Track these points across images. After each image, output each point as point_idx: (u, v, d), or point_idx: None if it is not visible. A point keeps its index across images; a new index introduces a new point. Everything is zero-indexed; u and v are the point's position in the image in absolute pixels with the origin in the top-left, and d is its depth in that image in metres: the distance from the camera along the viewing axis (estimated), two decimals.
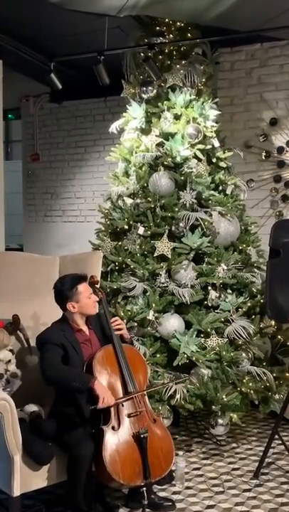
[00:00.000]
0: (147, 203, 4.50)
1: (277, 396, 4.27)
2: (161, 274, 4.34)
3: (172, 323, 4.27)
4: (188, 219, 4.34)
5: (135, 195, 4.65)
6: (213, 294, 4.30)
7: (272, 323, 4.40)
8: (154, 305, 4.26)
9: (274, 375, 4.28)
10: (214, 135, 4.68)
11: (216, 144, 4.70)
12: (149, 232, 4.44)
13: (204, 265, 4.35)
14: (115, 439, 3.11)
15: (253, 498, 3.58)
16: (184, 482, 3.74)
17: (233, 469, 3.99)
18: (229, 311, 4.28)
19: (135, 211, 4.57)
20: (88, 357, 3.31)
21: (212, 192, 4.55)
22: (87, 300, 3.38)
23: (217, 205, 4.48)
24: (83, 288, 3.39)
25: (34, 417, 3.35)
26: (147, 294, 4.35)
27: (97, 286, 3.62)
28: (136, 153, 4.70)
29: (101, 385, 3.13)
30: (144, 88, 4.68)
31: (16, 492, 3.04)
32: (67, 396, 3.21)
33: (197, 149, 4.56)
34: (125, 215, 4.57)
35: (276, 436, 3.86)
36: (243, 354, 4.28)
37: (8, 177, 5.76)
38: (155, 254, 4.37)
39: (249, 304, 4.37)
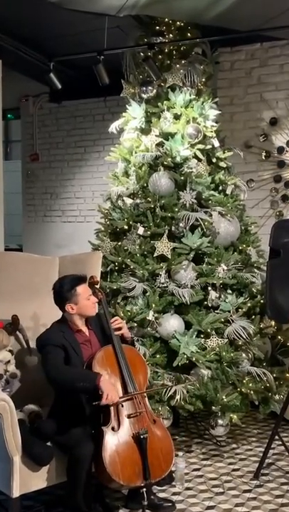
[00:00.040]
0: (147, 203, 4.49)
1: (277, 397, 4.26)
2: (161, 275, 4.33)
3: (172, 324, 4.26)
4: (188, 219, 4.33)
5: (135, 196, 4.64)
6: (213, 294, 4.29)
7: (273, 323, 4.40)
8: (153, 305, 4.25)
9: (274, 375, 4.27)
10: (214, 135, 4.68)
11: (216, 143, 4.69)
12: (148, 233, 4.43)
13: (204, 265, 4.34)
14: (115, 440, 3.10)
15: (253, 498, 3.57)
16: (184, 483, 3.73)
17: (233, 470, 3.98)
18: (229, 311, 4.28)
19: (135, 211, 4.56)
20: (88, 357, 3.31)
21: (212, 192, 4.54)
22: (85, 301, 3.37)
23: (217, 205, 4.47)
24: (82, 289, 3.37)
25: (34, 417, 3.35)
26: (147, 294, 4.34)
27: (97, 286, 3.62)
28: (136, 153, 4.70)
29: (107, 382, 3.12)
30: (144, 88, 4.68)
31: (16, 493, 3.04)
32: (71, 396, 3.19)
33: (197, 149, 4.55)
34: (125, 215, 4.56)
35: (276, 437, 3.85)
36: (243, 354, 4.27)
37: (7, 177, 5.75)
38: (155, 255, 4.36)
39: (249, 305, 4.36)
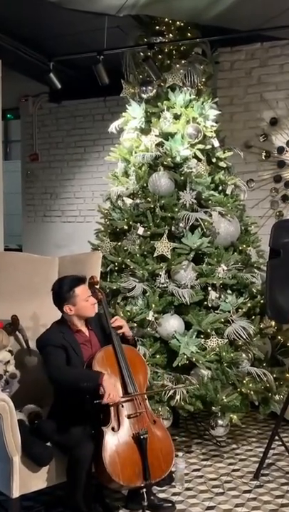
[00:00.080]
0: (147, 203, 4.49)
1: (277, 397, 4.25)
2: (160, 275, 4.32)
3: (172, 324, 4.26)
4: (188, 219, 4.32)
5: (135, 196, 4.63)
6: (213, 294, 4.29)
7: (273, 323, 4.39)
8: (153, 306, 4.24)
9: (274, 375, 4.26)
10: (214, 135, 4.67)
11: (216, 143, 4.69)
12: (148, 233, 4.42)
13: (204, 266, 4.34)
14: (115, 440, 3.09)
15: (253, 499, 3.57)
16: (184, 483, 3.73)
17: (233, 470, 3.98)
18: (229, 311, 4.27)
19: (135, 211, 4.56)
20: (88, 358, 3.30)
21: (212, 192, 4.54)
22: (84, 303, 3.35)
23: (217, 205, 4.47)
24: (81, 290, 3.36)
25: (33, 417, 3.34)
26: (147, 294, 4.33)
27: (97, 286, 3.61)
28: (135, 153, 4.69)
29: (109, 381, 3.12)
30: (144, 88, 4.67)
31: (16, 493, 3.03)
32: (72, 396, 3.19)
33: (197, 149, 4.55)
34: (125, 215, 4.56)
35: (276, 437, 3.85)
36: (243, 355, 4.26)
37: (7, 177, 5.74)
38: (155, 255, 4.36)
39: (249, 305, 4.36)
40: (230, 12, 4.37)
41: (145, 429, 3.15)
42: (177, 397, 3.99)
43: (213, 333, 4.21)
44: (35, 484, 3.13)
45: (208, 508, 3.47)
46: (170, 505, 3.43)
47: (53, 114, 7.47)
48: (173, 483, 3.70)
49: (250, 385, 4.14)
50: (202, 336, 4.23)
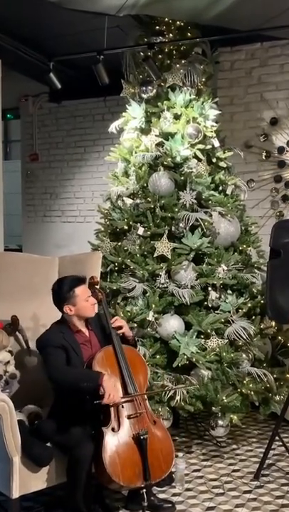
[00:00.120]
0: (147, 203, 4.48)
1: (277, 397, 4.25)
2: (161, 275, 4.32)
3: (172, 324, 4.25)
4: (188, 219, 4.32)
5: (135, 196, 4.63)
6: (213, 294, 4.28)
7: (273, 324, 4.39)
8: (153, 306, 4.24)
9: (274, 376, 4.26)
10: (214, 135, 4.67)
11: (216, 143, 4.68)
12: (148, 233, 4.42)
13: (204, 266, 4.34)
14: (115, 441, 3.09)
15: (254, 499, 3.56)
16: (184, 484, 3.72)
17: (234, 471, 3.97)
18: (229, 311, 4.27)
19: (135, 211, 4.55)
20: (88, 358, 3.30)
21: (212, 192, 4.53)
22: (84, 303, 3.35)
23: (217, 205, 4.46)
24: (81, 291, 3.36)
25: (33, 418, 3.34)
26: (147, 294, 4.33)
27: (97, 286, 3.61)
28: (135, 153, 4.69)
29: (109, 382, 3.12)
30: (144, 88, 4.67)
31: (15, 494, 3.03)
32: (73, 396, 3.18)
33: (197, 149, 4.54)
34: (125, 215, 4.55)
35: (277, 438, 3.85)
36: (244, 355, 4.26)
37: (7, 177, 5.73)
38: (155, 255, 4.35)
39: (249, 305, 4.35)
40: (230, 12, 4.37)
41: (145, 429, 3.15)
42: (177, 397, 3.99)
43: (214, 333, 4.20)
44: (35, 485, 3.13)
45: (209, 508, 3.47)
46: (170, 505, 3.42)
47: (53, 114, 7.46)
48: (173, 484, 3.70)
49: (251, 385, 4.14)
50: (202, 337, 4.23)
